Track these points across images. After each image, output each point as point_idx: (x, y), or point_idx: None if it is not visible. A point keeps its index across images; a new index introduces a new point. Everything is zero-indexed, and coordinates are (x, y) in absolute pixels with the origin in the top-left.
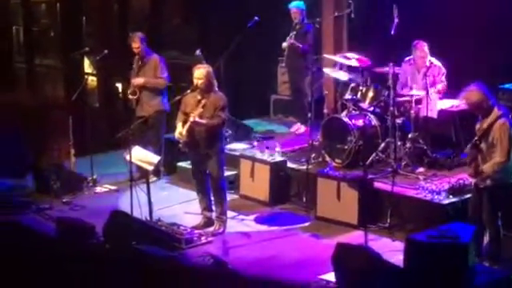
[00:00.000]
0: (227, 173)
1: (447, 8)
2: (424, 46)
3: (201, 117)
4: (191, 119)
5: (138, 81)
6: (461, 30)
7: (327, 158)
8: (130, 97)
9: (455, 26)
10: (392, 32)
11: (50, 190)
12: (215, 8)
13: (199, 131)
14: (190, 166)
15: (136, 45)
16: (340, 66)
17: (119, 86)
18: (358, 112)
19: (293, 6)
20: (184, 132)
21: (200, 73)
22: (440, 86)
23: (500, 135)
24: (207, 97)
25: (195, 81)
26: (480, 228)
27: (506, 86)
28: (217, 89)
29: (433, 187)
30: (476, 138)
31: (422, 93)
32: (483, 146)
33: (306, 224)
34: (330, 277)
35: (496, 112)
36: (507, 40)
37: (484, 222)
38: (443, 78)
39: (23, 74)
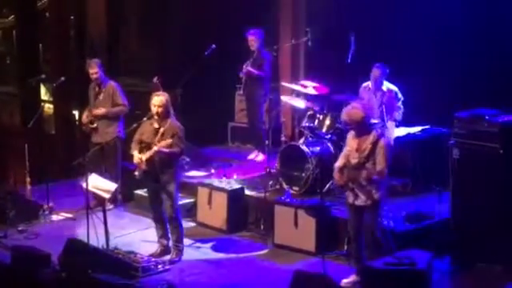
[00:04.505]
0: (185, 200)
1: (404, 35)
2: (382, 69)
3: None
4: (155, 148)
5: (98, 111)
6: (418, 57)
7: (285, 186)
8: (90, 126)
9: (413, 53)
10: (348, 60)
11: (5, 218)
12: (173, 35)
13: (155, 160)
14: (146, 194)
15: (93, 70)
16: (297, 93)
17: (76, 113)
18: (315, 139)
19: (250, 33)
20: (144, 159)
21: (159, 100)
22: (397, 114)
23: (384, 152)
24: (164, 124)
25: (154, 108)
26: (361, 247)
27: (462, 114)
28: (173, 116)
29: (389, 214)
30: (357, 158)
31: (378, 121)
32: (369, 164)
33: (264, 251)
34: None
35: (375, 132)
36: (464, 68)
37: (366, 241)
38: (400, 104)
39: None
